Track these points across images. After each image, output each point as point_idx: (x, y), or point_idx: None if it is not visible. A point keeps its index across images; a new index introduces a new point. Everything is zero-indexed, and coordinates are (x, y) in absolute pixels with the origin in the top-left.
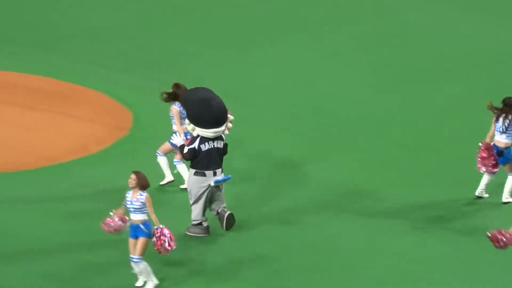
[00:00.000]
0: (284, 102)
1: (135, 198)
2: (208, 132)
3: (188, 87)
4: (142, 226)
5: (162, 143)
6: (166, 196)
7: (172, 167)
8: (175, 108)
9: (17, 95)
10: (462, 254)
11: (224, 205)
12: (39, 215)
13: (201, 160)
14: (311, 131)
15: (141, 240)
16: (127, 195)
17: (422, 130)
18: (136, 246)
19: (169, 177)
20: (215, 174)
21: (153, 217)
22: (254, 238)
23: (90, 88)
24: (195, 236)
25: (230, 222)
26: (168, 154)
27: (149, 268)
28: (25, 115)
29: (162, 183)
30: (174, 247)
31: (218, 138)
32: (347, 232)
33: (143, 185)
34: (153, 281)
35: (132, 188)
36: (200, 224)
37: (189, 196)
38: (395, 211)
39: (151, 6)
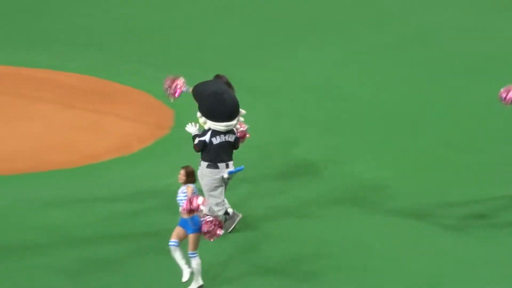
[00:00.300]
0: (323, 102)
1: (180, 190)
2: (220, 126)
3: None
4: (190, 222)
5: None
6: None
7: None
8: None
9: (59, 94)
10: (507, 255)
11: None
12: (76, 213)
13: (213, 153)
14: (350, 130)
15: (192, 236)
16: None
17: (464, 130)
18: (189, 242)
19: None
20: (227, 166)
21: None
22: (290, 236)
23: (132, 87)
24: (233, 228)
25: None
26: None
27: (200, 267)
28: (66, 113)
29: None
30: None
31: (230, 131)
32: (386, 232)
33: (192, 180)
34: (198, 283)
35: (182, 183)
36: (226, 213)
37: (204, 190)
38: (436, 210)
39: (196, 6)
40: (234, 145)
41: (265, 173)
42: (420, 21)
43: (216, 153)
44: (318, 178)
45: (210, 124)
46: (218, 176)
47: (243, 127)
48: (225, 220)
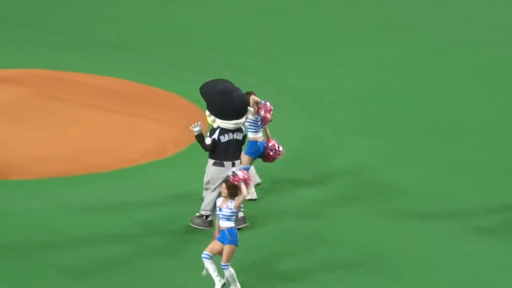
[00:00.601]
0: (360, 105)
1: (225, 205)
2: (229, 124)
3: (268, 90)
4: (227, 233)
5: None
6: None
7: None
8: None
9: (97, 97)
10: None
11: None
12: (113, 216)
13: (220, 151)
14: (385, 134)
15: (227, 247)
16: (217, 202)
17: (500, 133)
18: (223, 254)
19: (256, 180)
20: (233, 165)
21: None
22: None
23: (168, 91)
24: (197, 228)
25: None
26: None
27: (235, 276)
28: (104, 117)
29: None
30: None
31: (238, 130)
32: (422, 236)
33: (234, 194)
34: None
35: (224, 197)
36: (206, 216)
37: (204, 186)
38: (472, 214)
39: (234, 8)
40: (243, 142)
41: (301, 176)
42: (463, 28)
43: (223, 151)
44: (354, 182)
45: (219, 122)
46: (224, 175)
47: (274, 143)
48: (198, 216)
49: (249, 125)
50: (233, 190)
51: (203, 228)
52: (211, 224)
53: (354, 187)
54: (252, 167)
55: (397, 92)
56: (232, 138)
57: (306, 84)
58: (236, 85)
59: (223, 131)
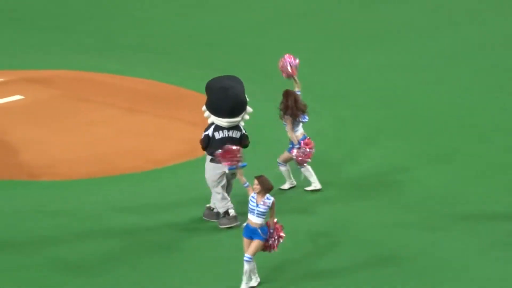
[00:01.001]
0: (388, 107)
1: (261, 201)
2: (222, 121)
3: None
4: (259, 231)
5: (266, 147)
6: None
7: (293, 172)
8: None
9: (126, 99)
10: None
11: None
12: (142, 217)
13: (214, 148)
14: (412, 136)
15: (256, 242)
16: (252, 195)
17: None
18: (251, 246)
19: (291, 182)
20: None
21: (272, 219)
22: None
23: (198, 92)
24: (226, 228)
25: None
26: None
27: (256, 270)
28: (134, 118)
29: (283, 187)
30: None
31: (234, 128)
32: (447, 237)
33: (267, 188)
34: (256, 278)
35: (257, 193)
36: (227, 213)
37: (208, 185)
38: (502, 218)
39: (262, 11)
40: (241, 142)
41: (328, 177)
42: (490, 28)
43: (217, 148)
44: (380, 184)
45: (214, 119)
46: (220, 171)
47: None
48: (223, 216)
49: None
50: (266, 184)
51: (232, 225)
52: (236, 218)
53: (380, 189)
54: (288, 168)
55: (423, 94)
56: (227, 135)
57: (331, 86)
58: (260, 86)
59: (218, 128)
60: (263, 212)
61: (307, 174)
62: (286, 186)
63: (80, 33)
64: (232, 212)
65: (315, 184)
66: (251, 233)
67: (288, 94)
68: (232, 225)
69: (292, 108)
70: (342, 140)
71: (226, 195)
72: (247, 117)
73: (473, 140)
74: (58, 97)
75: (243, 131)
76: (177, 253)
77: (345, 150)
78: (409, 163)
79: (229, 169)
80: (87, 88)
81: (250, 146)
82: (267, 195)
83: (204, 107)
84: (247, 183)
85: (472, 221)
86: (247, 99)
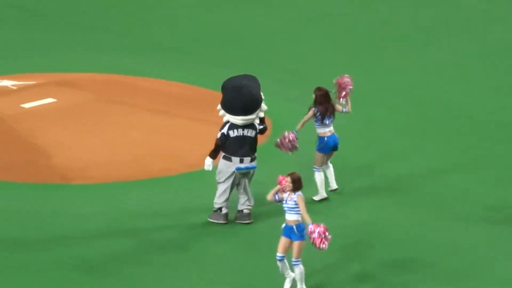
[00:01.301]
0: (418, 108)
1: (289, 197)
2: (237, 119)
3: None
4: (295, 229)
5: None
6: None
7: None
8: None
9: (159, 102)
10: None
11: (247, 203)
12: (173, 220)
13: (229, 146)
14: (446, 137)
15: (296, 243)
16: (284, 195)
17: None
18: (294, 250)
19: (322, 194)
20: (241, 161)
21: (306, 217)
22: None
23: None
24: (214, 222)
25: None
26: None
27: (303, 276)
28: (163, 121)
29: (315, 198)
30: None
31: (249, 126)
32: (479, 240)
33: (297, 186)
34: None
35: (289, 190)
36: (220, 209)
37: (216, 179)
38: None
39: (293, 13)
40: (256, 140)
41: (362, 179)
42: None
43: (232, 146)
44: (414, 186)
45: (228, 117)
46: (231, 169)
47: None
48: (215, 211)
49: (315, 121)
50: (297, 184)
51: (218, 222)
52: (226, 217)
53: (413, 191)
54: (331, 170)
55: (456, 95)
56: (241, 134)
57: (363, 87)
58: (290, 87)
59: (233, 126)
60: (292, 208)
61: (328, 173)
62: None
63: (112, 35)
64: (224, 210)
65: (332, 185)
66: (290, 232)
67: (325, 94)
68: (219, 221)
69: (324, 106)
70: (373, 142)
71: (228, 194)
72: (261, 114)
73: (509, 141)
74: (91, 100)
75: (258, 128)
76: (205, 257)
77: (376, 151)
78: (442, 164)
79: (237, 169)
80: (119, 90)
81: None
82: (295, 191)
83: (219, 106)
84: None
85: (505, 224)
86: (263, 96)
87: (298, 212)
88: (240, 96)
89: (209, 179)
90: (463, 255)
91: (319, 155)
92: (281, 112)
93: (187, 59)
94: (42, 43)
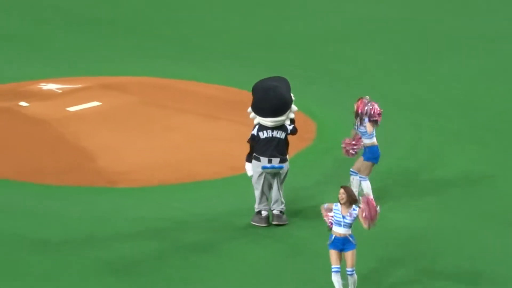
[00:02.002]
0: (467, 114)
1: (348, 213)
2: (266, 121)
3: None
4: (350, 238)
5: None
6: None
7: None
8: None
9: (200, 105)
10: None
11: (279, 205)
12: (218, 223)
13: (259, 146)
14: (491, 143)
15: (350, 253)
16: (335, 207)
17: None
18: (349, 259)
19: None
20: (270, 161)
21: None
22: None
23: None
24: (256, 225)
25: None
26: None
27: (356, 285)
28: (208, 124)
29: None
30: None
31: (279, 128)
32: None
33: (353, 199)
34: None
35: (343, 203)
36: (259, 212)
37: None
38: None
39: (340, 18)
40: (287, 141)
41: (407, 185)
42: None
43: (261, 147)
44: (460, 191)
45: (259, 119)
46: (259, 169)
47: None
48: (256, 214)
49: (362, 132)
50: (352, 196)
51: (259, 225)
52: (266, 220)
53: (460, 196)
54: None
55: (502, 101)
56: (271, 135)
57: (410, 92)
58: (338, 92)
59: (262, 127)
60: (350, 224)
61: (365, 187)
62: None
63: (158, 40)
64: (264, 213)
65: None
66: (342, 244)
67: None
68: (260, 224)
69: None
70: (419, 148)
71: (264, 196)
72: (292, 115)
73: None
74: (135, 104)
75: (289, 129)
76: (245, 261)
77: (423, 157)
78: (490, 171)
79: (263, 168)
80: (163, 94)
81: (325, 151)
82: (353, 206)
83: (249, 109)
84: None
85: None
86: (293, 98)
87: (351, 225)
88: (269, 98)
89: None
90: (508, 261)
91: (369, 165)
92: (327, 117)
93: (232, 63)
94: (87, 48)
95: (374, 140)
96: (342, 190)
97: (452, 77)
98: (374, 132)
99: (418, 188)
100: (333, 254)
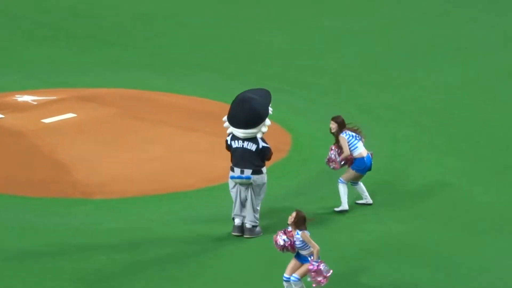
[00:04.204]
0: (443, 126)
1: (293, 237)
2: (237, 132)
3: (349, 110)
4: (309, 258)
5: (321, 165)
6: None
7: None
8: (342, 137)
9: (179, 117)
10: None
11: (251, 219)
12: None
13: (232, 156)
14: (469, 155)
15: (306, 266)
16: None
17: None
18: (299, 269)
19: (344, 206)
20: (242, 172)
21: (315, 250)
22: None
23: None
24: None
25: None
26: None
27: None
28: (184, 136)
29: (336, 209)
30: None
31: (250, 140)
32: (504, 256)
33: (299, 226)
34: None
35: (289, 224)
36: (233, 219)
37: None
38: None
39: (315, 30)
40: (259, 154)
41: (384, 197)
42: None
43: (234, 156)
44: (438, 203)
45: (231, 129)
46: (232, 180)
47: None
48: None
49: (352, 143)
50: (299, 222)
51: (232, 232)
52: (238, 229)
53: (438, 208)
54: (362, 186)
55: (479, 113)
56: (242, 146)
57: (386, 103)
58: (314, 104)
59: (234, 137)
60: (300, 246)
61: (360, 191)
62: (339, 208)
63: (135, 52)
64: (237, 221)
65: (367, 200)
66: (301, 258)
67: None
68: (233, 233)
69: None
70: (398, 159)
71: (239, 206)
72: (264, 129)
73: None
74: (111, 115)
75: (261, 144)
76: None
77: (400, 169)
78: (466, 182)
79: (231, 178)
80: (140, 106)
81: (300, 162)
82: (297, 230)
83: (225, 117)
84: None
85: None
86: (270, 112)
87: (309, 247)
88: (242, 110)
89: (229, 193)
90: (491, 271)
91: (353, 174)
92: (302, 128)
93: (209, 75)
94: (64, 60)
95: (360, 152)
96: (293, 213)
97: (429, 88)
98: (358, 145)
99: (394, 199)
100: (291, 262)
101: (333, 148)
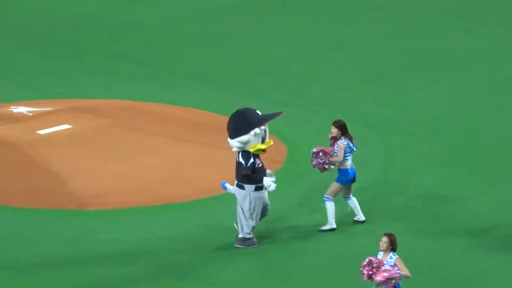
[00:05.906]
0: (437, 136)
1: (385, 261)
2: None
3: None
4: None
5: (316, 176)
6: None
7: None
8: (342, 143)
9: (174, 128)
10: None
11: (239, 230)
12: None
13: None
14: (465, 165)
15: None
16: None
17: None
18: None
19: (332, 224)
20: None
21: (404, 273)
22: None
23: None
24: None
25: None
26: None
27: None
28: (180, 147)
29: (324, 228)
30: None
31: (239, 152)
32: (501, 267)
33: (394, 247)
34: None
35: (383, 250)
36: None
37: None
38: None
39: (310, 40)
40: (237, 169)
41: (378, 207)
42: None
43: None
44: (433, 214)
45: None
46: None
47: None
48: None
49: (335, 154)
50: (394, 244)
51: (246, 246)
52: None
53: (433, 219)
54: (355, 202)
55: (475, 123)
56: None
57: (381, 114)
58: (309, 114)
59: None
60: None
61: (352, 205)
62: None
63: (131, 62)
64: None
65: (359, 216)
66: None
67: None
68: (246, 246)
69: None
70: (392, 169)
71: (236, 216)
72: (237, 144)
73: None
74: (106, 126)
75: (239, 158)
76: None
77: (395, 179)
78: (461, 193)
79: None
80: (135, 117)
81: (296, 174)
82: (391, 253)
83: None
84: None
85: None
86: (252, 133)
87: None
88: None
89: (225, 204)
90: (486, 281)
91: (338, 187)
92: (298, 139)
93: (205, 86)
94: (59, 71)
95: (349, 161)
96: (384, 238)
97: (424, 98)
98: (348, 158)
99: (389, 210)
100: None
101: (315, 150)
